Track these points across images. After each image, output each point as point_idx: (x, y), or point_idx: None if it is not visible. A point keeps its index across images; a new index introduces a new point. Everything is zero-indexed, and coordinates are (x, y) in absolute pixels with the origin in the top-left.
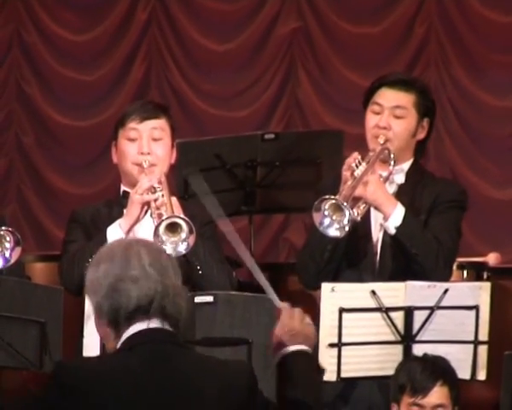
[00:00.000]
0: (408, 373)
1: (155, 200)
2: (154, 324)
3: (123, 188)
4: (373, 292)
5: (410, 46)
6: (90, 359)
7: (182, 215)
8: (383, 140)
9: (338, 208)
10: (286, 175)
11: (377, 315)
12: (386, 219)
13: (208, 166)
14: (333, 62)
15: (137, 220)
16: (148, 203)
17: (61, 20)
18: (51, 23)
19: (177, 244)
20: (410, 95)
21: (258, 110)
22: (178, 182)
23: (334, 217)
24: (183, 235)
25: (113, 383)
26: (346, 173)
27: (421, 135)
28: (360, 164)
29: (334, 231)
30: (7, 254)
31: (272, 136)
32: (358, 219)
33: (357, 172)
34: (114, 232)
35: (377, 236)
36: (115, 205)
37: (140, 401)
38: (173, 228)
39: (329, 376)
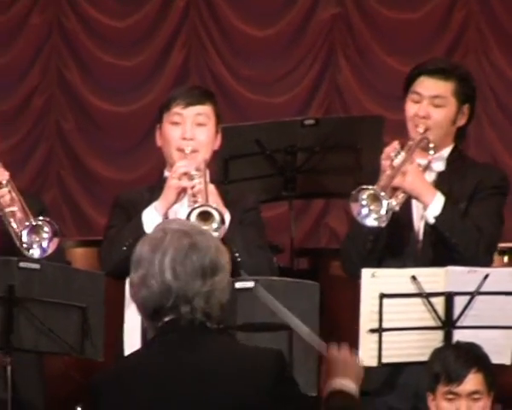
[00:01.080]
0: (442, 362)
1: (192, 187)
2: (176, 315)
3: (166, 173)
4: (413, 277)
5: (450, 32)
6: (120, 361)
7: (214, 205)
8: (423, 129)
9: (376, 198)
10: (326, 160)
11: (418, 301)
12: (425, 208)
13: (248, 152)
14: (373, 48)
15: (172, 205)
16: (184, 189)
17: (101, 6)
18: (91, 9)
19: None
20: (450, 83)
21: (298, 96)
22: (219, 166)
23: (371, 207)
24: (215, 225)
25: (135, 383)
26: (384, 163)
27: (462, 121)
28: (399, 153)
29: (372, 221)
30: (44, 244)
31: (312, 121)
32: (397, 208)
33: (396, 162)
34: (150, 215)
35: (419, 224)
36: (157, 190)
37: (163, 391)
38: (205, 217)
39: (370, 361)
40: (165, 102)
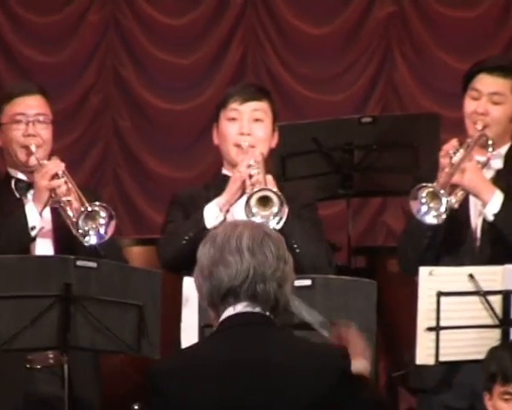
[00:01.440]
0: (498, 362)
1: (250, 176)
2: (245, 307)
3: (224, 171)
4: (471, 276)
5: (507, 29)
6: (179, 353)
7: (274, 189)
8: (481, 126)
9: (435, 196)
10: (383, 158)
11: (475, 299)
12: (484, 205)
13: (305, 150)
14: (429, 46)
15: (237, 198)
16: (244, 181)
17: (158, 4)
18: (148, 7)
19: (269, 219)
20: (509, 80)
21: (355, 94)
22: (276, 165)
23: (431, 204)
24: (275, 209)
25: (199, 374)
26: (443, 160)
27: None
28: (458, 151)
29: (431, 219)
30: (101, 230)
31: (369, 119)
32: (456, 206)
33: (455, 159)
34: (212, 210)
35: (476, 222)
36: (213, 188)
37: (225, 386)
38: (265, 202)
39: (428, 360)
40: (222, 100)
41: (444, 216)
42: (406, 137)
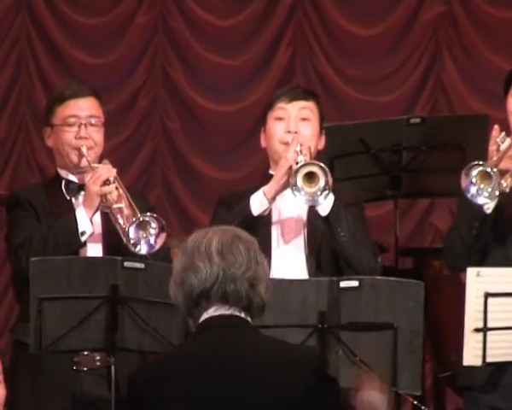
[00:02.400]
0: None
1: (297, 162)
2: (218, 310)
3: (271, 172)
4: None
5: None
6: (156, 360)
7: (318, 162)
8: None
9: (486, 176)
10: (431, 159)
11: None
12: None
13: (353, 151)
14: (478, 46)
15: (285, 186)
16: (291, 167)
17: (207, 5)
18: (196, 8)
19: (316, 195)
20: None
21: (404, 95)
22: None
23: (481, 185)
24: (322, 183)
25: (175, 378)
26: (491, 148)
27: None
28: (505, 139)
29: (482, 199)
30: (152, 240)
31: (418, 120)
32: (507, 190)
33: (503, 147)
34: (258, 198)
35: None
36: (261, 188)
37: (200, 386)
38: (311, 179)
39: (475, 360)
40: (269, 102)
41: (495, 196)
42: (455, 139)
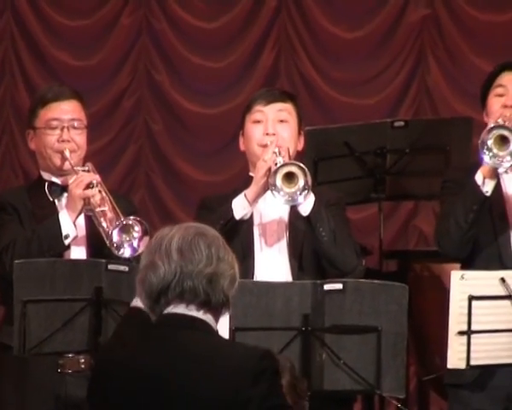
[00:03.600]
0: None
1: (276, 164)
2: (173, 309)
3: (250, 174)
4: (502, 280)
5: None
6: (118, 343)
7: (297, 162)
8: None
9: (503, 140)
10: (415, 162)
11: (507, 303)
12: None
13: (337, 154)
14: (462, 49)
15: (264, 188)
16: (270, 169)
17: (191, 7)
18: (180, 10)
19: (296, 195)
20: None
21: (388, 97)
22: (308, 169)
23: (495, 150)
24: (301, 182)
25: (126, 365)
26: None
27: None
28: None
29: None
30: (135, 243)
31: (402, 123)
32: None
33: None
34: (240, 201)
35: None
36: (241, 191)
37: (147, 379)
38: (290, 178)
39: (459, 363)
40: (247, 105)
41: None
42: (439, 141)
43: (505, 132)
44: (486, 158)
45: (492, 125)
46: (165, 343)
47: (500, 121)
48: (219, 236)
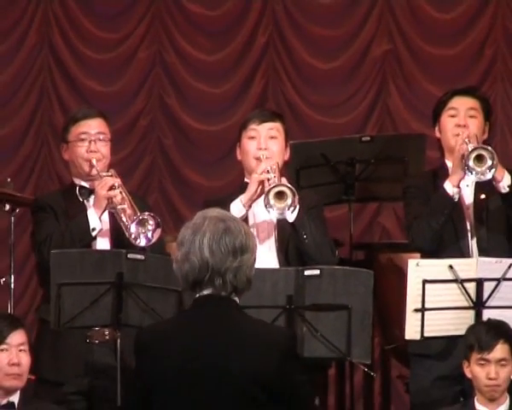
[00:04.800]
0: (475, 335)
1: (268, 179)
2: (209, 291)
3: (245, 180)
4: (450, 266)
5: (481, 64)
6: (161, 322)
7: (287, 183)
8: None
9: (481, 159)
10: (379, 171)
11: (454, 286)
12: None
13: (315, 164)
14: (417, 78)
15: (256, 196)
16: (263, 182)
17: (196, 43)
18: (187, 46)
19: (284, 210)
20: (478, 99)
21: (357, 117)
22: (291, 175)
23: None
24: (289, 201)
25: (171, 338)
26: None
27: (485, 135)
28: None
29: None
30: (149, 234)
31: (368, 138)
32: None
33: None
34: (237, 206)
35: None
36: (237, 194)
37: (187, 351)
38: (280, 196)
39: (415, 335)
40: (243, 123)
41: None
42: (398, 153)
43: (481, 151)
44: (472, 177)
45: (471, 148)
46: (201, 321)
47: (467, 140)
48: (242, 228)
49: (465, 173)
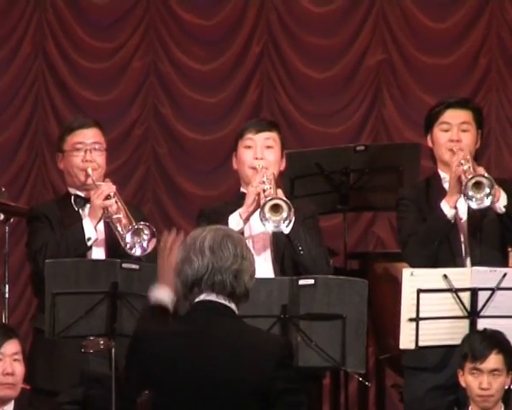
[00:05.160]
0: (469, 344)
1: (264, 190)
2: (206, 296)
3: (241, 190)
4: (445, 276)
5: (476, 73)
6: (160, 324)
7: (283, 197)
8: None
9: (479, 186)
10: (374, 180)
11: (448, 295)
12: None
13: (310, 173)
14: (412, 88)
15: (255, 209)
16: (259, 194)
17: (190, 53)
18: (182, 55)
19: (280, 223)
20: (471, 112)
21: (351, 127)
22: (286, 184)
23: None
24: (284, 214)
25: (166, 340)
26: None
27: (478, 144)
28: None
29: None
30: (144, 244)
31: (363, 147)
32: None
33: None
34: (235, 219)
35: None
36: (232, 203)
37: (183, 356)
38: (276, 209)
39: (409, 345)
40: (239, 132)
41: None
42: (392, 163)
43: (480, 179)
44: (473, 204)
45: (470, 176)
46: (199, 326)
47: (463, 162)
48: (243, 237)
49: (463, 199)
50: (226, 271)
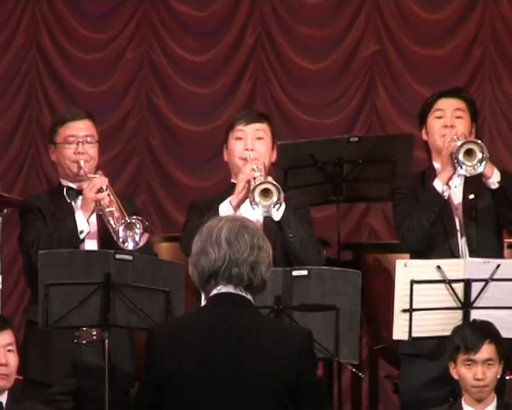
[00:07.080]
0: (461, 336)
1: (255, 178)
2: (224, 288)
3: (232, 181)
4: (438, 267)
5: (469, 65)
6: (175, 318)
7: (272, 181)
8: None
9: (471, 153)
10: (367, 171)
11: (442, 286)
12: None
13: (303, 164)
14: (405, 79)
15: (245, 196)
16: (249, 181)
17: (183, 44)
18: (175, 46)
19: (270, 208)
20: (463, 100)
21: (345, 118)
22: (279, 175)
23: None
24: (275, 198)
25: (185, 335)
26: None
27: (472, 137)
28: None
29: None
30: (137, 238)
31: (356, 139)
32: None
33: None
34: (225, 207)
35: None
36: (224, 195)
37: (205, 349)
38: (266, 194)
39: (402, 335)
40: (230, 124)
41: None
42: (386, 154)
43: (471, 146)
44: (462, 171)
45: (460, 143)
46: (220, 318)
47: (455, 138)
48: (259, 227)
49: (455, 169)
50: (243, 263)
